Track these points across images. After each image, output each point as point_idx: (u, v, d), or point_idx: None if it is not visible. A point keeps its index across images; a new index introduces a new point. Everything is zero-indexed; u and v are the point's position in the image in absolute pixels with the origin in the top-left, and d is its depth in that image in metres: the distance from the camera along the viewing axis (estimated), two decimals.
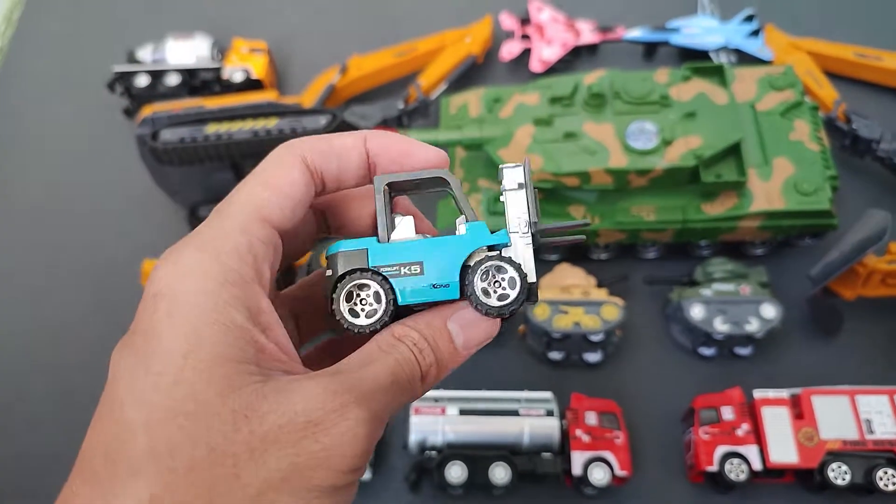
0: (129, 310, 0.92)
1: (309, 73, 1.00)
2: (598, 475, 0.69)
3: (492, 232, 0.34)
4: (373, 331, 0.33)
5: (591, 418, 0.73)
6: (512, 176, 0.35)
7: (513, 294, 0.33)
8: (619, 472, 0.70)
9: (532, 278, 0.34)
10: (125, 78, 1.00)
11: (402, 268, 0.33)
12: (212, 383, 0.27)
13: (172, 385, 0.27)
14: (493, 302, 0.33)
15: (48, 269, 0.93)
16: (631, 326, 0.83)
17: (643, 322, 0.83)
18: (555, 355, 0.80)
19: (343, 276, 0.33)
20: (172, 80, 0.99)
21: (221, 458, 0.27)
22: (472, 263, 0.33)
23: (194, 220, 0.92)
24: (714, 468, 0.69)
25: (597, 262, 0.87)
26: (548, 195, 0.82)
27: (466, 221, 0.34)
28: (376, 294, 0.33)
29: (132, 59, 1.02)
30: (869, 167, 0.90)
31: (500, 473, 0.70)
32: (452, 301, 0.34)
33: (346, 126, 0.85)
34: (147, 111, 0.89)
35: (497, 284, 0.33)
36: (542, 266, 0.84)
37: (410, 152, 0.35)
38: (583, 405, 0.74)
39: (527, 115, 0.80)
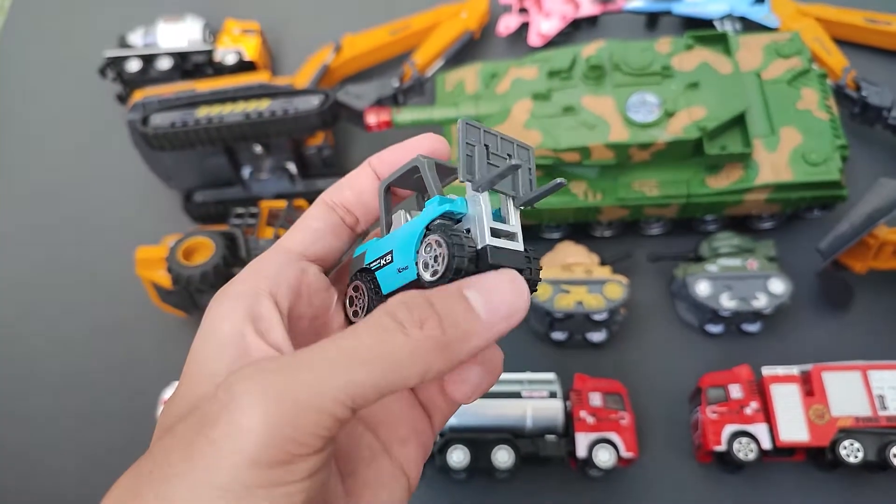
0: (122, 296, 0.92)
1: (302, 53, 0.97)
2: (604, 457, 0.68)
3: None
4: None
5: (596, 399, 0.71)
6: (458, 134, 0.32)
7: (441, 267, 0.30)
8: (625, 454, 0.68)
9: (483, 242, 0.30)
10: (117, 63, 0.98)
11: (381, 260, 0.34)
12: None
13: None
14: (427, 276, 0.30)
15: (41, 257, 0.92)
16: (635, 305, 0.81)
17: (648, 300, 0.82)
18: (557, 335, 0.78)
19: (351, 281, 0.35)
20: (164, 63, 0.98)
21: (150, 456, 0.28)
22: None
23: (189, 205, 0.90)
24: (722, 448, 0.68)
25: (599, 240, 0.85)
26: (547, 172, 0.80)
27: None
28: (361, 290, 0.34)
29: (123, 43, 1.00)
30: (879, 136, 0.88)
31: (502, 457, 0.68)
32: (414, 281, 0.32)
33: (339, 106, 0.83)
34: (138, 96, 0.87)
35: (433, 257, 0.30)
36: (544, 244, 0.82)
37: (402, 149, 0.35)
38: (587, 386, 0.72)
39: (524, 90, 0.78)
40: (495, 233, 0.31)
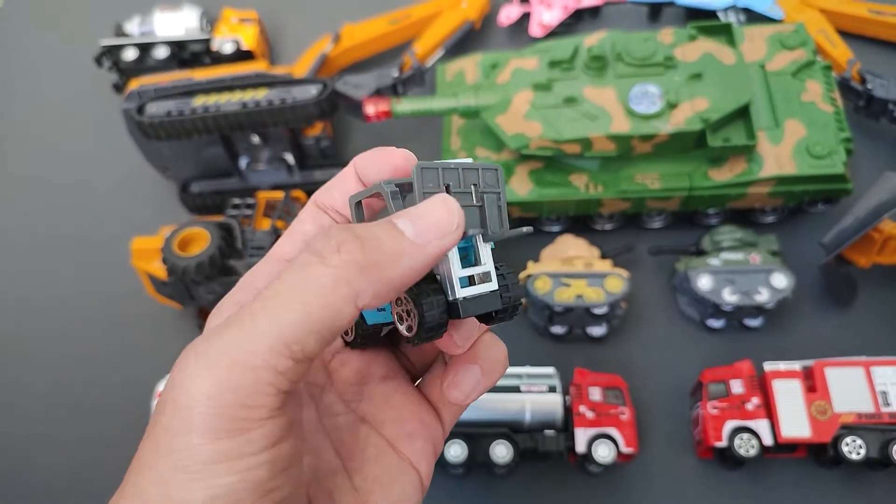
0: (118, 287, 0.91)
1: (301, 43, 0.97)
2: (603, 452, 0.67)
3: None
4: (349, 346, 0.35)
5: (596, 394, 0.70)
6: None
7: (414, 325, 0.30)
8: (625, 449, 0.67)
9: (451, 294, 0.30)
10: (113, 52, 0.97)
11: None
12: None
13: None
14: (404, 331, 0.30)
15: (36, 247, 0.91)
16: (636, 298, 0.80)
17: (649, 294, 0.81)
18: (557, 329, 0.77)
19: None
20: (161, 52, 0.97)
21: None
22: None
23: (186, 196, 0.89)
24: (723, 444, 0.67)
25: (600, 233, 0.84)
26: (548, 163, 0.79)
27: None
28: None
29: (120, 32, 1.00)
30: (885, 129, 0.87)
31: (501, 452, 0.68)
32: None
33: (337, 96, 0.82)
34: (134, 85, 0.86)
35: (405, 313, 0.30)
36: (544, 237, 0.81)
37: (379, 158, 0.33)
38: (587, 380, 0.71)
39: (525, 81, 0.77)
40: (468, 280, 0.30)
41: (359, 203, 0.33)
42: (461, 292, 0.30)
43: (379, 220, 0.29)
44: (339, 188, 0.34)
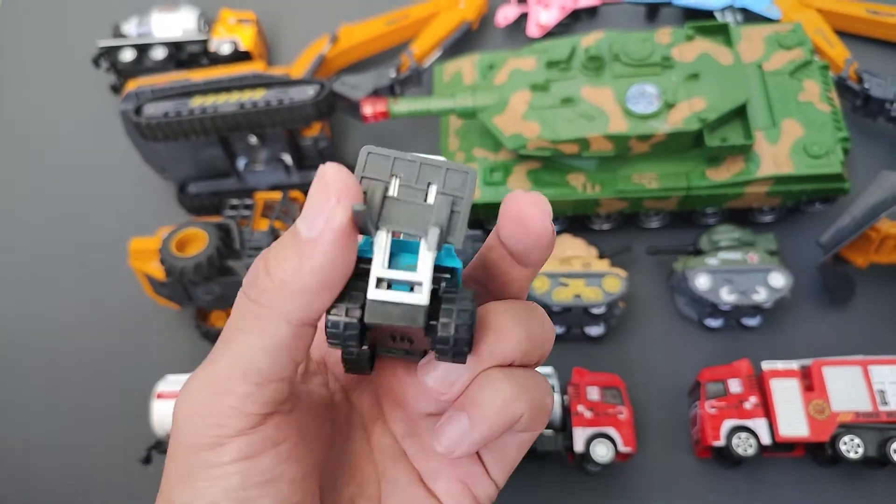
0: (115, 288, 0.91)
1: (298, 44, 0.96)
2: (602, 452, 0.67)
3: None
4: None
5: (594, 393, 0.70)
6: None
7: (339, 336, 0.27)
8: (623, 449, 0.67)
9: (367, 296, 0.27)
10: (110, 53, 0.97)
11: None
12: None
13: None
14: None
15: (35, 248, 0.91)
16: (634, 298, 0.80)
17: (647, 294, 0.81)
18: (555, 329, 0.77)
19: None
20: (158, 53, 0.97)
21: None
22: None
23: (183, 196, 0.89)
24: (721, 443, 0.67)
25: (598, 233, 0.84)
26: (546, 164, 0.79)
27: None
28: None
29: (117, 33, 0.99)
30: (882, 128, 0.87)
31: None
32: None
33: (335, 97, 0.82)
34: (131, 86, 0.86)
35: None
36: None
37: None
38: (584, 380, 0.71)
39: (522, 81, 0.77)
40: (392, 282, 0.27)
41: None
42: (373, 293, 0.26)
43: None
44: None
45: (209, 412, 0.29)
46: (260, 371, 0.28)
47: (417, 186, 0.27)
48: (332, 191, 0.25)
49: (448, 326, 0.26)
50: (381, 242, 0.27)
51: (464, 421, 0.29)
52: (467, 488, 0.34)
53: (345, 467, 0.34)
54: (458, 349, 0.27)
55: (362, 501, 0.34)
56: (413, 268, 0.26)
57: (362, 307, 0.27)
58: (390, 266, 0.27)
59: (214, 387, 0.29)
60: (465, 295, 0.27)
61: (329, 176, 0.25)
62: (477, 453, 0.34)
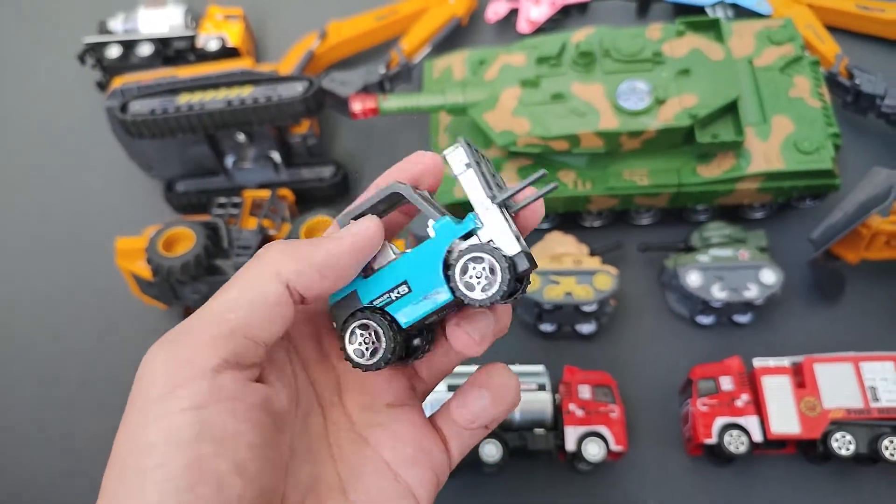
0: (101, 287, 0.90)
1: (287, 40, 0.96)
2: (593, 450, 0.67)
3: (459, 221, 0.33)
4: (381, 367, 0.34)
5: (585, 392, 0.70)
6: (456, 159, 0.33)
7: (496, 282, 0.32)
8: (615, 447, 0.67)
9: (514, 248, 0.32)
10: (96, 49, 0.96)
11: (391, 294, 0.34)
12: None
13: None
14: (478, 294, 0.32)
15: (18, 247, 0.90)
16: (625, 296, 0.80)
17: (638, 291, 0.80)
18: (546, 327, 0.77)
19: (344, 325, 0.35)
20: (145, 50, 0.96)
21: None
22: (452, 261, 0.32)
23: (171, 195, 0.88)
24: (713, 440, 0.67)
25: (589, 230, 0.84)
26: (536, 160, 0.78)
27: (433, 222, 0.34)
28: (375, 333, 0.34)
29: (103, 29, 0.98)
30: (872, 124, 0.87)
31: (490, 451, 0.67)
32: (450, 303, 0.33)
33: (323, 93, 0.81)
34: (117, 83, 0.85)
35: (480, 276, 0.32)
36: (532, 235, 0.80)
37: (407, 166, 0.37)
38: (576, 378, 0.71)
39: (512, 77, 0.76)
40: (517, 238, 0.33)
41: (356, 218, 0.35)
42: (520, 245, 0.32)
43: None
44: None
45: (171, 358, 0.29)
46: (238, 318, 0.30)
47: (490, 168, 0.36)
48: (372, 231, 0.34)
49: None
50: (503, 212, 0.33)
51: (485, 396, 0.35)
52: (436, 476, 0.36)
53: (303, 445, 0.34)
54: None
55: (322, 486, 0.34)
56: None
57: (512, 260, 0.32)
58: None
59: (187, 329, 0.30)
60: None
61: (373, 225, 0.34)
62: (444, 441, 0.37)
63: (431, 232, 0.33)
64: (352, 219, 0.35)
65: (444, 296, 0.33)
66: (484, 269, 0.32)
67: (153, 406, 0.28)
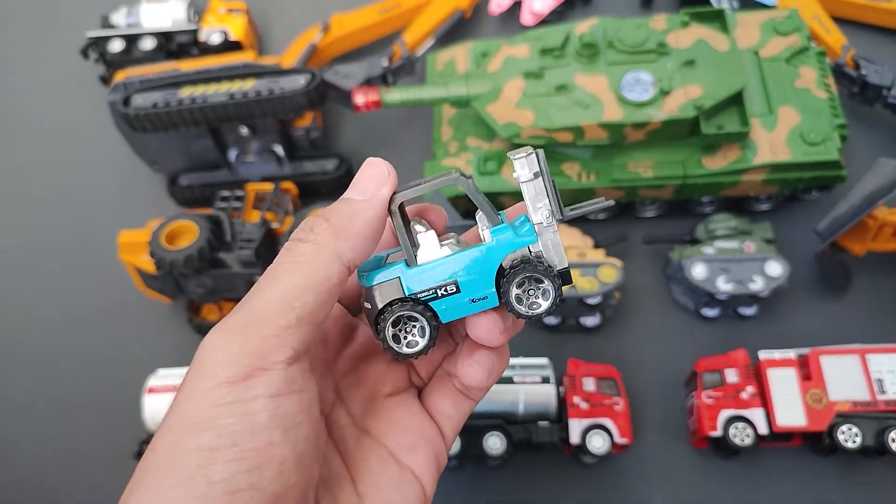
0: (105, 282, 0.90)
1: (289, 33, 0.95)
2: (597, 443, 0.67)
3: (517, 226, 0.35)
4: (414, 358, 0.36)
5: (590, 384, 0.70)
6: (526, 165, 0.34)
7: (546, 303, 0.35)
8: (619, 440, 0.67)
9: (564, 264, 0.35)
10: (99, 44, 0.96)
11: (438, 290, 0.35)
12: None
13: None
14: (524, 309, 0.34)
15: (22, 241, 0.90)
16: (630, 288, 0.79)
17: (643, 283, 0.80)
18: (551, 319, 0.77)
19: (383, 310, 0.35)
20: (148, 44, 0.95)
21: None
22: (506, 267, 0.35)
23: (174, 188, 0.88)
24: (718, 433, 0.67)
25: (593, 222, 0.84)
26: None
27: (489, 225, 0.35)
28: (421, 329, 0.35)
29: (106, 23, 0.98)
30: (879, 115, 0.86)
31: (494, 443, 0.67)
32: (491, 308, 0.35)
33: (326, 86, 0.81)
34: (120, 76, 0.85)
35: (531, 293, 0.35)
36: None
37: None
38: (580, 371, 0.71)
39: (516, 69, 0.76)
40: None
41: (401, 206, 0.35)
42: (567, 263, 0.35)
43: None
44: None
45: (240, 347, 0.29)
46: (305, 305, 0.31)
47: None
48: (384, 167, 0.34)
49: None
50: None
51: (493, 358, 0.37)
52: (436, 459, 0.38)
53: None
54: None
55: (332, 480, 0.35)
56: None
57: (560, 274, 0.35)
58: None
59: (254, 318, 0.30)
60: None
61: (377, 161, 0.35)
62: (439, 427, 0.39)
63: (488, 236, 0.35)
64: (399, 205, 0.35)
65: (490, 302, 0.35)
66: (539, 289, 0.34)
67: (224, 390, 0.29)
